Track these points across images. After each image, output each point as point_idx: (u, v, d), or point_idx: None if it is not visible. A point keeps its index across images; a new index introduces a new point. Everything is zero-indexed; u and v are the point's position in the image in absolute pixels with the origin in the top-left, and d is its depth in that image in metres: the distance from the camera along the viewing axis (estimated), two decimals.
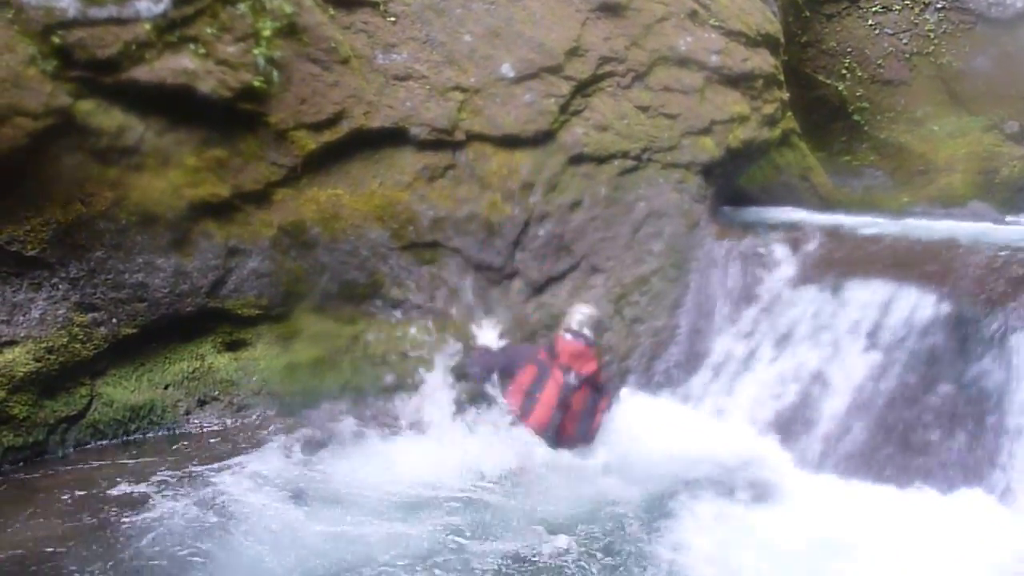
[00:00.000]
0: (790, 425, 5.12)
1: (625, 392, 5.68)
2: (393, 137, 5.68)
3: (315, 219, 5.34)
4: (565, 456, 4.78)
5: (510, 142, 6.06)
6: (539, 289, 5.95)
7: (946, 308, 4.92)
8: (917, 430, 4.69)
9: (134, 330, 4.85)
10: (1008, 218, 8.25)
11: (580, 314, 5.22)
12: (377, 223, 5.51)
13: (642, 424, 5.26)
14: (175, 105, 4.84)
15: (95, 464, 4.44)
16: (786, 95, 7.50)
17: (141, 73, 4.69)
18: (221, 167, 5.06)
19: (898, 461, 4.63)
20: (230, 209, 5.09)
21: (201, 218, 4.99)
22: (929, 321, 4.94)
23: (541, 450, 4.75)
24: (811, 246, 5.94)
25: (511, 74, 6.07)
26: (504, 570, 3.54)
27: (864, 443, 4.70)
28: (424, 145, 5.76)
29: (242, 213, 5.14)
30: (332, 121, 5.44)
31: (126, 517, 3.82)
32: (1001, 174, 9.10)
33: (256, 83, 5.05)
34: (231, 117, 5.07)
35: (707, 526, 3.95)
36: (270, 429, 4.99)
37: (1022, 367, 4.48)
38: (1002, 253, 5.25)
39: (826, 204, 8.06)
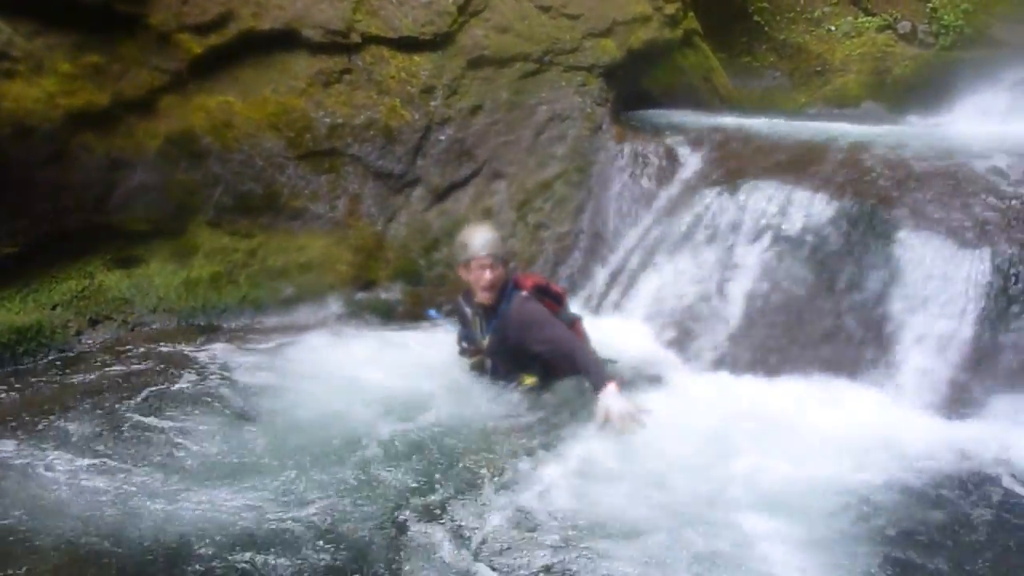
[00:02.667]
0: (688, 325, 5.25)
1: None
2: (285, 40, 5.47)
3: (205, 128, 5.12)
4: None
5: (408, 45, 5.90)
6: (441, 196, 5.89)
7: (838, 207, 5.07)
8: (811, 328, 4.87)
9: (15, 248, 4.62)
10: (898, 117, 8.49)
11: (482, 238, 4.32)
12: (272, 131, 5.32)
13: None
14: (46, 5, 4.52)
15: None
16: None
17: None
18: (99, 73, 4.77)
19: (793, 358, 4.78)
20: (111, 119, 4.83)
21: (80, 129, 4.72)
22: (822, 221, 5.08)
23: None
24: (710, 148, 6.02)
25: None
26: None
27: (760, 341, 4.84)
28: (318, 48, 5.57)
29: (124, 123, 4.89)
30: (218, 23, 5.19)
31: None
32: (893, 74, 9.33)
33: None
34: (108, 19, 4.78)
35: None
36: (168, 346, 4.86)
37: (907, 264, 4.67)
38: (890, 153, 5.43)
39: (727, 105, 8.13)
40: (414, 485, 3.31)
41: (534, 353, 4.14)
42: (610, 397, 3.80)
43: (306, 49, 5.51)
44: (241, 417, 3.88)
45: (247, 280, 5.30)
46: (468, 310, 4.40)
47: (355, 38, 5.67)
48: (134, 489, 3.21)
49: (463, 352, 4.50)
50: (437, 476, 3.41)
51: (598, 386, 3.86)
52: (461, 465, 3.51)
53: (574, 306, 5.66)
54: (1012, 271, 4.38)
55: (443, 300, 5.46)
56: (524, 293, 4.22)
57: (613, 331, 5.30)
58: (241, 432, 3.72)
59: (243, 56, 5.31)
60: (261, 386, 4.24)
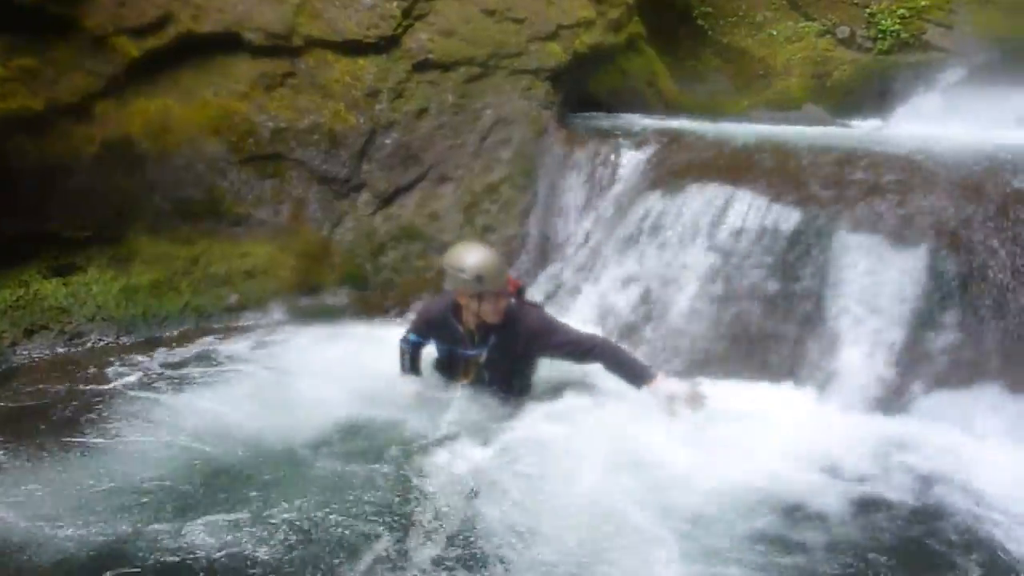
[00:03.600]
0: (634, 326, 5.29)
1: None
2: (226, 43, 5.41)
3: (143, 133, 5.04)
4: None
5: (352, 48, 5.86)
6: (387, 200, 5.86)
7: (777, 210, 5.14)
8: (750, 329, 4.94)
9: None
10: (838, 120, 8.66)
11: (497, 268, 4.02)
12: (212, 136, 5.25)
13: None
14: None
15: None
16: None
17: None
18: (32, 78, 4.68)
19: (732, 359, 4.86)
20: (45, 124, 4.73)
21: (13, 134, 4.63)
22: (762, 223, 5.15)
23: None
24: (654, 151, 6.07)
25: None
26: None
27: (700, 343, 4.90)
28: (260, 51, 5.51)
29: (60, 128, 4.79)
30: (156, 25, 5.11)
31: None
32: (833, 77, 9.51)
33: None
34: (41, 21, 4.67)
35: (549, 419, 4.05)
36: (108, 356, 4.76)
37: (841, 266, 4.76)
38: (827, 155, 5.53)
39: (671, 109, 8.21)
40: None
41: (537, 358, 4.17)
42: (670, 384, 3.90)
43: (247, 52, 5.45)
44: (179, 434, 3.76)
45: (189, 287, 5.22)
46: (459, 328, 4.14)
47: (298, 41, 5.61)
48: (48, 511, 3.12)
49: (442, 366, 4.35)
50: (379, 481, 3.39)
51: (645, 378, 3.91)
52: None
53: None
54: (943, 271, 4.48)
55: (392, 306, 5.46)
56: (517, 302, 4.19)
57: None
58: (176, 451, 3.60)
59: (182, 59, 5.23)
60: (200, 400, 4.15)
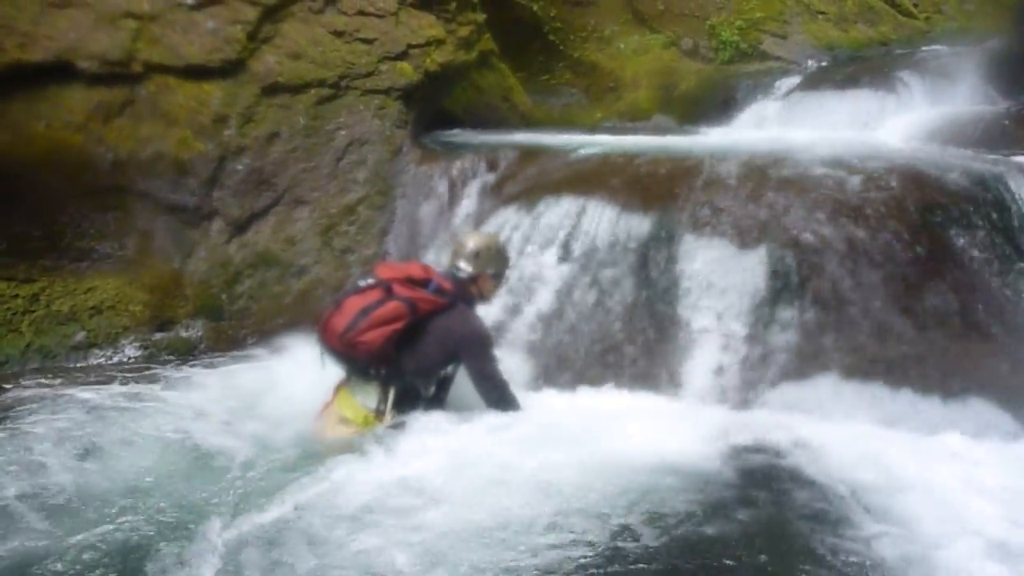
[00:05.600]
0: (494, 337, 5.36)
1: None
2: (58, 72, 5.17)
3: None
4: None
5: (196, 73, 5.72)
6: (242, 227, 5.74)
7: (627, 218, 5.33)
8: (607, 334, 5.08)
9: None
10: (686, 128, 9.04)
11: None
12: (47, 170, 5.01)
13: None
14: None
15: None
16: (481, 17, 7.63)
17: None
18: None
19: (591, 364, 4.98)
20: None
21: None
22: (614, 231, 5.33)
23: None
24: (508, 165, 6.19)
25: (189, 0, 5.68)
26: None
27: (557, 354, 5.00)
28: (96, 80, 5.29)
29: None
30: None
31: None
32: (679, 88, 9.93)
33: None
34: None
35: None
36: None
37: (688, 270, 4.97)
38: (674, 162, 5.77)
39: (527, 123, 8.40)
40: None
41: None
42: None
43: (82, 81, 5.22)
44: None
45: (30, 327, 4.97)
46: None
47: (137, 67, 5.43)
48: None
49: None
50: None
51: None
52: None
53: None
54: (785, 269, 4.75)
55: (249, 335, 5.35)
56: None
57: None
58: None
59: (10, 90, 4.97)
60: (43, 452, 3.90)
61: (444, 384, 4.12)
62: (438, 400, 4.10)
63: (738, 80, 9.99)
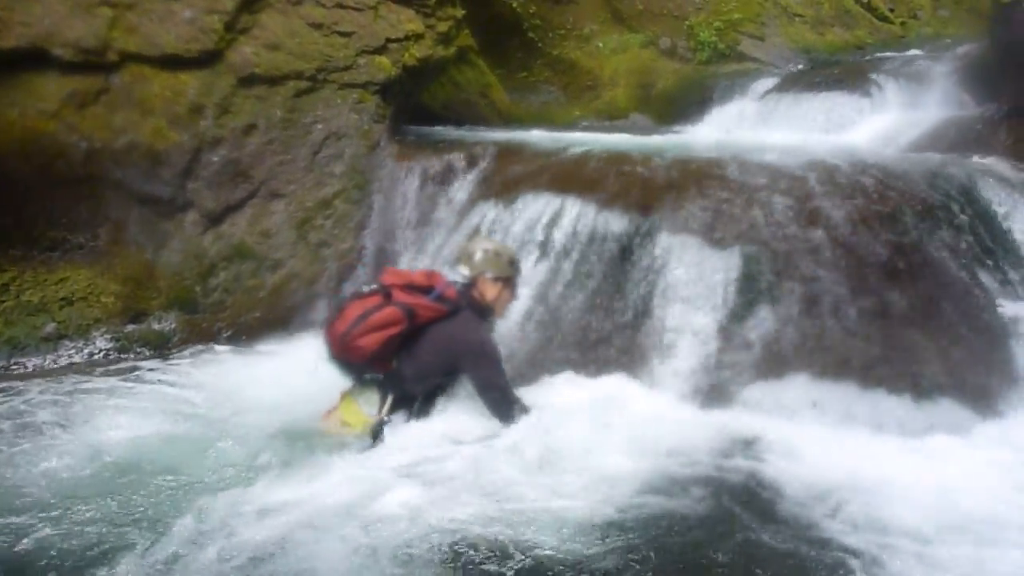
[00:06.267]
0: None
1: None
2: (31, 59, 5.09)
3: None
4: None
5: (173, 63, 5.65)
6: (216, 219, 5.69)
7: (604, 216, 5.35)
8: (585, 329, 5.10)
9: None
10: (663, 127, 9.09)
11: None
12: (19, 159, 4.94)
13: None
14: None
15: None
16: (460, 12, 7.60)
17: None
18: None
19: (570, 359, 5.00)
20: None
21: None
22: (591, 229, 5.35)
23: None
24: (487, 162, 6.19)
25: None
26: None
27: (534, 350, 5.02)
28: (70, 68, 5.21)
29: None
30: None
31: None
32: (657, 87, 9.99)
33: None
34: None
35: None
36: None
37: (666, 266, 5.00)
38: (651, 161, 5.80)
39: (505, 119, 8.41)
40: None
41: None
42: None
43: (56, 68, 5.15)
44: None
45: (0, 318, 4.91)
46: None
47: (112, 56, 5.36)
48: None
49: None
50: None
51: None
52: None
53: None
54: (757, 269, 4.79)
55: (223, 328, 5.31)
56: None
57: None
58: None
59: None
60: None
61: (432, 395, 4.05)
62: (424, 412, 4.02)
63: (715, 80, 10.07)
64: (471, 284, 4.10)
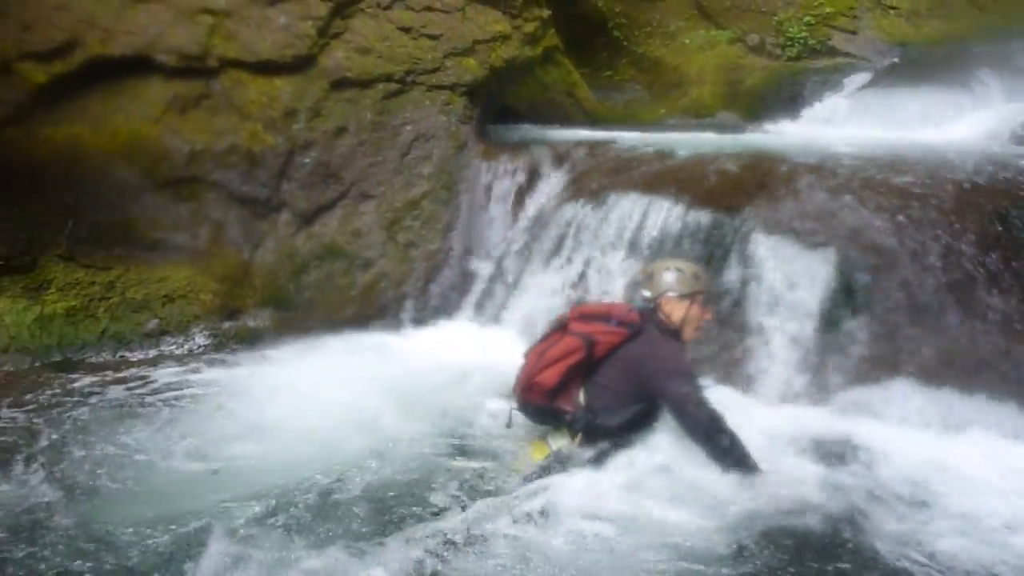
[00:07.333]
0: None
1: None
2: (137, 66, 5.33)
3: (52, 160, 4.95)
4: None
5: (268, 68, 5.83)
6: (308, 219, 5.85)
7: (693, 216, 5.30)
8: None
9: None
10: (751, 125, 8.94)
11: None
12: (125, 161, 5.17)
13: (416, 346, 5.39)
14: None
15: None
16: (547, 13, 7.62)
17: None
18: None
19: None
20: None
21: None
22: (680, 229, 5.30)
23: None
24: (574, 162, 6.19)
25: None
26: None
27: None
28: (173, 74, 5.44)
29: None
30: (63, 50, 5.01)
31: None
32: (745, 84, 9.81)
33: None
34: None
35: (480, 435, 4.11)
36: (21, 387, 4.66)
37: (759, 267, 4.92)
38: (741, 160, 5.72)
39: (590, 119, 8.38)
40: None
41: None
42: None
43: (160, 75, 5.37)
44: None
45: (106, 314, 5.14)
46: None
47: (212, 62, 5.56)
48: None
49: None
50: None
51: None
52: None
53: (454, 321, 5.71)
54: (854, 270, 4.66)
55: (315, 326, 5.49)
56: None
57: (490, 344, 5.40)
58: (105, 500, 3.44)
59: (92, 84, 5.13)
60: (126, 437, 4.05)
61: (632, 427, 3.65)
62: (623, 446, 3.63)
63: (806, 76, 9.84)
64: (655, 306, 3.75)
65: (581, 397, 3.63)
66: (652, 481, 3.46)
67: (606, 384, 3.60)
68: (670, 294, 3.73)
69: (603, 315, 3.70)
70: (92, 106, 5.13)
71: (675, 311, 3.73)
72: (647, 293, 3.79)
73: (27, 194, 4.86)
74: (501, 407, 4.03)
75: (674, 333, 3.72)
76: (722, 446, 3.44)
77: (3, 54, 4.75)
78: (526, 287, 5.77)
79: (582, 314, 3.73)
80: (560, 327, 3.72)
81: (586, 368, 3.61)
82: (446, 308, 5.94)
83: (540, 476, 3.48)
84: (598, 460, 3.53)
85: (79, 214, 5.02)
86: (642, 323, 3.65)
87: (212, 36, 5.61)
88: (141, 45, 5.29)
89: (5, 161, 4.77)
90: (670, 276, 3.76)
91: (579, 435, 3.59)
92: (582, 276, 5.56)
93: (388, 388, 4.55)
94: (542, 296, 5.66)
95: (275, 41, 5.83)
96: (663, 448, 3.58)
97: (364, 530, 3.14)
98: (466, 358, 5.15)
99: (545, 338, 3.75)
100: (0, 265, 4.87)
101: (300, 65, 5.91)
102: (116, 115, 5.20)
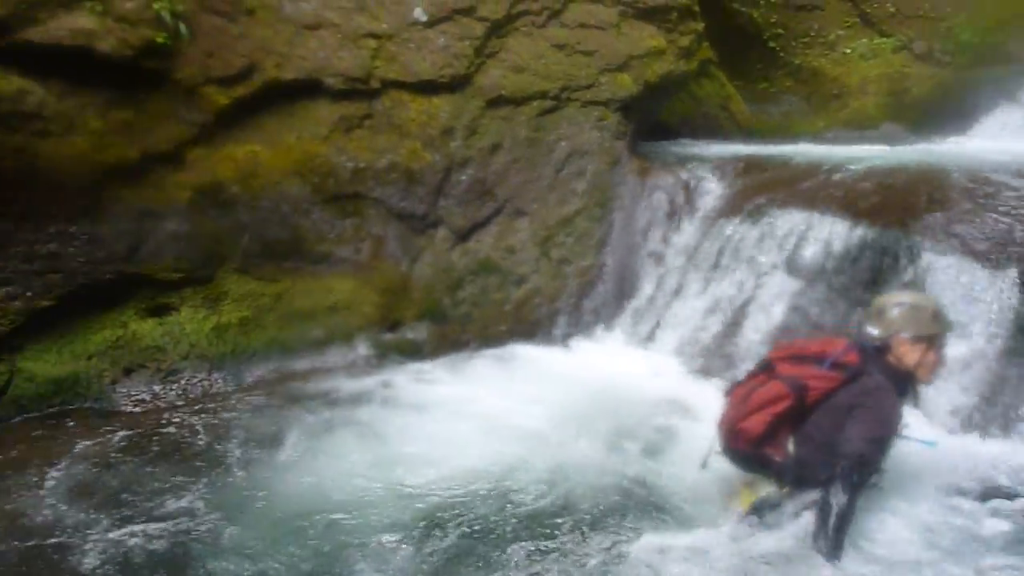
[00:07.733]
0: (715, 356, 5.26)
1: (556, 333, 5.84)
2: (307, 89, 5.57)
3: (232, 178, 5.24)
4: None
5: (427, 88, 5.99)
6: (464, 236, 5.97)
7: (858, 234, 5.07)
8: None
9: (51, 302, 4.73)
10: (918, 138, 8.47)
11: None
12: (296, 178, 5.43)
13: (572, 363, 5.39)
14: (75, 66, 4.65)
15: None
16: (701, 25, 7.50)
17: (35, 34, 4.50)
18: (128, 129, 4.90)
19: None
20: (140, 172, 4.95)
21: (111, 183, 4.85)
22: (844, 247, 5.09)
23: None
24: (730, 177, 6.06)
25: (423, 18, 5.98)
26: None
27: None
28: (339, 95, 5.66)
29: (154, 175, 5.01)
30: (243, 75, 5.30)
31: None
32: (911, 95, 9.30)
33: (159, 39, 4.87)
34: (135, 76, 4.89)
35: (633, 461, 4.07)
36: (200, 391, 4.97)
37: (930, 287, 4.65)
38: (909, 175, 5.44)
39: (745, 132, 8.18)
40: None
41: None
42: None
43: (328, 96, 5.61)
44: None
45: (274, 323, 5.39)
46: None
47: (375, 84, 5.77)
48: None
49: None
50: None
51: None
52: None
53: (608, 339, 5.64)
54: None
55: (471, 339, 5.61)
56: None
57: (647, 364, 5.35)
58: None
59: (267, 105, 5.42)
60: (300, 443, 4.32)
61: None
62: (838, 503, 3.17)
63: (978, 86, 9.23)
64: (884, 347, 3.36)
65: (791, 445, 3.38)
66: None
67: (817, 435, 3.29)
68: (904, 335, 3.33)
69: (816, 356, 3.37)
70: (268, 126, 5.42)
71: (908, 355, 3.34)
72: (875, 331, 3.38)
73: (208, 211, 5.16)
74: (687, 437, 4.05)
75: (902, 379, 3.35)
76: (833, 523, 3.11)
77: (190, 80, 5.07)
78: (682, 306, 5.68)
79: (792, 355, 3.44)
80: (766, 368, 3.46)
81: (797, 415, 3.33)
82: (600, 325, 5.92)
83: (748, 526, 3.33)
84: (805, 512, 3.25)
85: (254, 229, 5.29)
86: (862, 365, 3.30)
87: (375, 59, 5.81)
88: (311, 69, 5.54)
89: (190, 178, 5.10)
90: (905, 314, 3.36)
91: (787, 487, 3.35)
92: (740, 295, 5.42)
93: (562, 407, 4.63)
94: (698, 315, 5.55)
95: (434, 62, 5.99)
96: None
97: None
98: (625, 378, 5.13)
99: (750, 378, 3.50)
100: (182, 278, 5.19)
101: (457, 84, 6.05)
102: (289, 134, 5.47)
